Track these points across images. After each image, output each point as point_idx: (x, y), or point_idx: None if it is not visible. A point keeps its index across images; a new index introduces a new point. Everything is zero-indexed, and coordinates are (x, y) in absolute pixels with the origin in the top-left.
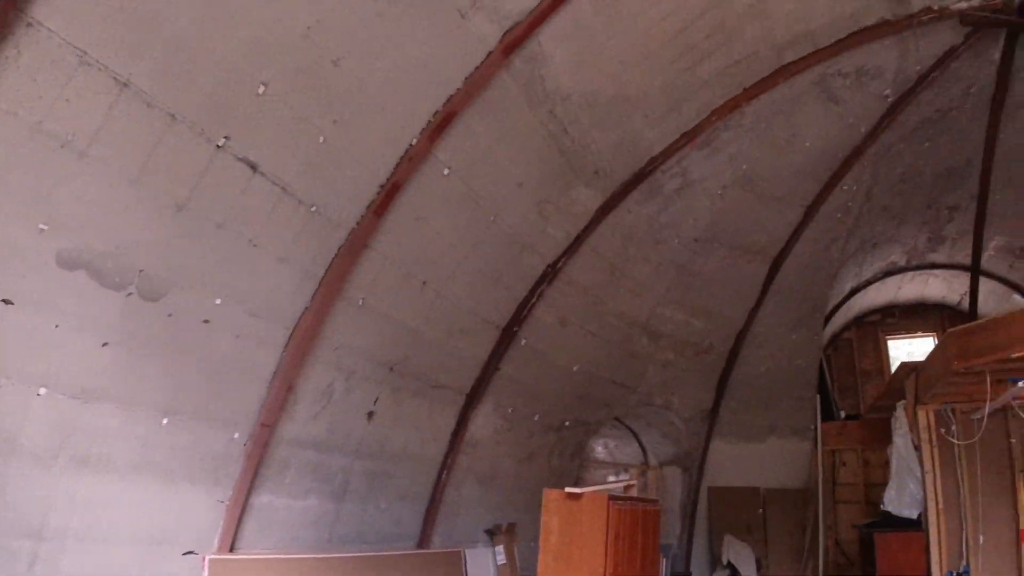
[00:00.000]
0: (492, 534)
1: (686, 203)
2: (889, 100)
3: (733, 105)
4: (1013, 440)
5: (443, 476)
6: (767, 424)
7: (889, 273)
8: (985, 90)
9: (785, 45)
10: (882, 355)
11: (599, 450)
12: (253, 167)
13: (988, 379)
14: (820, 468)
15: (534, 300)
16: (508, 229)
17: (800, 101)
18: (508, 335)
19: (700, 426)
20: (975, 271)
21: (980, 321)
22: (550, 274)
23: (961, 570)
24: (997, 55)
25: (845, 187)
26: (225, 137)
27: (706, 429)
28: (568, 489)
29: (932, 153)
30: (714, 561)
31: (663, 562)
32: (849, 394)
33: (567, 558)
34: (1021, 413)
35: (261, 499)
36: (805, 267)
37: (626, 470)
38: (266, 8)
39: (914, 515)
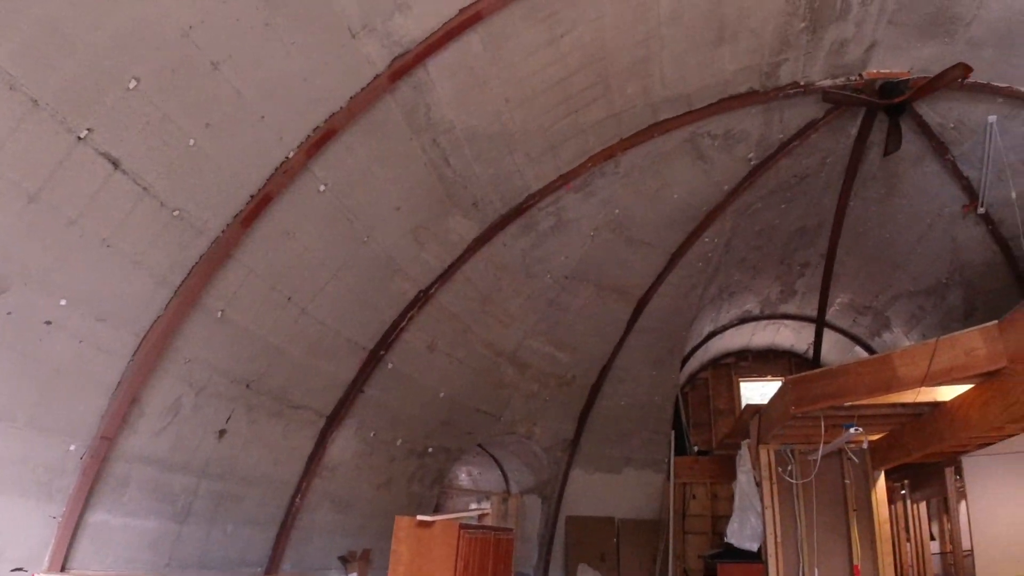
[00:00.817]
0: (346, 561)
1: (560, 241)
2: (752, 163)
3: (609, 153)
4: (847, 481)
5: (297, 500)
6: (624, 456)
7: (744, 320)
8: (840, 161)
9: (661, 103)
10: (735, 395)
11: (462, 477)
12: (115, 163)
13: (823, 424)
14: (672, 500)
15: (404, 324)
16: (381, 251)
17: (671, 156)
18: (375, 358)
19: (561, 456)
20: (820, 323)
21: (816, 371)
22: (421, 299)
23: None
24: (854, 131)
25: (707, 239)
26: (88, 129)
27: (566, 459)
28: (419, 517)
29: (788, 213)
30: None
31: None
32: (703, 430)
33: None
34: (854, 457)
35: (97, 516)
36: (667, 309)
37: (488, 498)
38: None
39: (755, 547)
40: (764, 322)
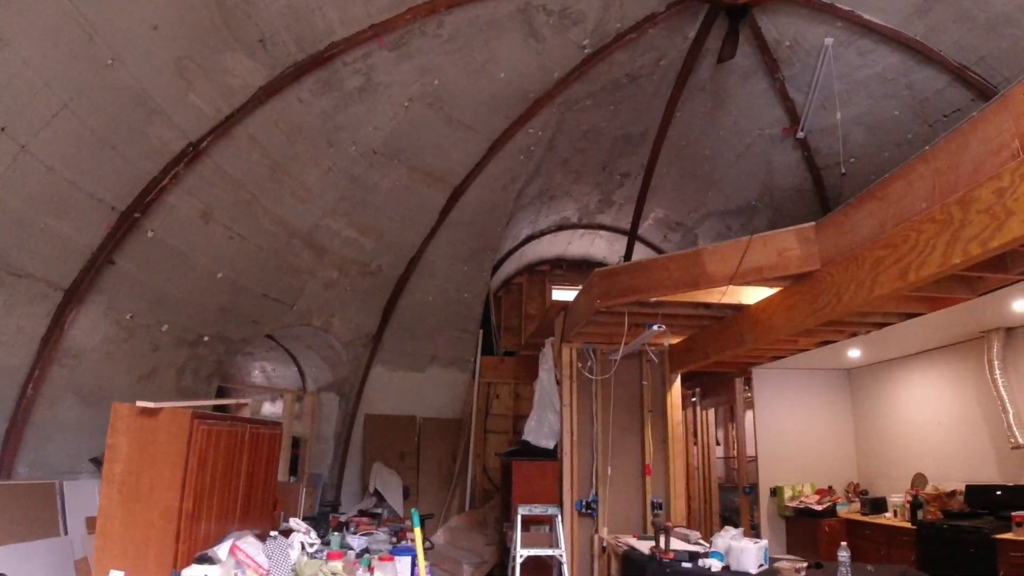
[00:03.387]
0: (99, 463)
1: (368, 107)
2: (585, 51)
3: (431, 8)
4: (644, 382)
5: (29, 391)
6: (430, 354)
7: (562, 227)
8: (674, 66)
9: None
10: (547, 302)
11: (256, 374)
12: None
13: (627, 320)
14: (475, 399)
15: (166, 183)
16: (133, 83)
17: (502, 27)
18: (128, 221)
19: (362, 352)
20: (632, 236)
21: (625, 264)
22: (190, 154)
23: (591, 498)
24: (692, 33)
25: (531, 130)
26: None
27: (368, 355)
28: (140, 403)
29: (615, 116)
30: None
31: (315, 492)
32: (514, 335)
33: (135, 491)
34: (655, 358)
35: None
36: (484, 202)
37: (281, 396)
38: None
39: (551, 445)
40: (581, 231)
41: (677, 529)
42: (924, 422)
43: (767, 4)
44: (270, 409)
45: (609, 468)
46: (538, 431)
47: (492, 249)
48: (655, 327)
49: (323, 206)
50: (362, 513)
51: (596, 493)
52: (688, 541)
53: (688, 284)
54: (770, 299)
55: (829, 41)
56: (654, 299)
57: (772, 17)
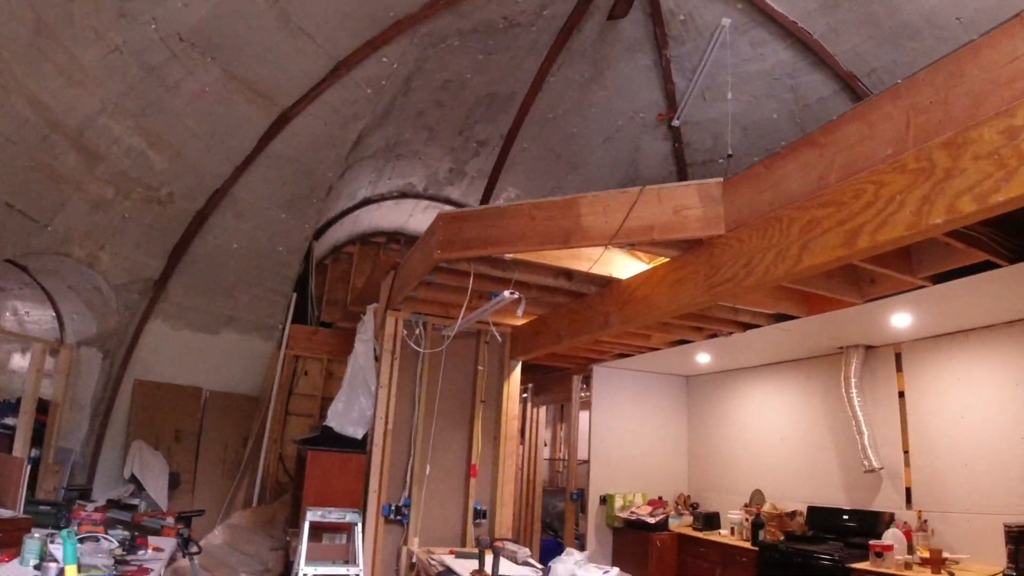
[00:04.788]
0: None
1: None
2: None
3: None
4: (480, 367)
5: None
6: (227, 313)
7: (405, 195)
8: (558, 18)
9: None
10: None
11: (7, 316)
12: None
13: (470, 285)
14: (279, 374)
15: None
16: None
17: None
18: None
19: (137, 300)
20: None
21: (479, 208)
22: None
23: (401, 502)
24: None
25: (385, 58)
26: None
27: (145, 305)
28: None
29: (483, 69)
30: None
31: (62, 472)
32: (336, 308)
33: None
34: (498, 336)
35: None
36: (317, 137)
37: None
38: None
39: (360, 434)
40: (425, 203)
41: (503, 545)
42: (766, 437)
43: None
44: (20, 362)
45: (428, 466)
46: (345, 416)
47: (320, 199)
48: (506, 294)
49: (103, 98)
50: (112, 504)
51: (409, 496)
52: (516, 561)
53: (557, 239)
54: (651, 272)
55: (727, 22)
56: (510, 256)
57: None
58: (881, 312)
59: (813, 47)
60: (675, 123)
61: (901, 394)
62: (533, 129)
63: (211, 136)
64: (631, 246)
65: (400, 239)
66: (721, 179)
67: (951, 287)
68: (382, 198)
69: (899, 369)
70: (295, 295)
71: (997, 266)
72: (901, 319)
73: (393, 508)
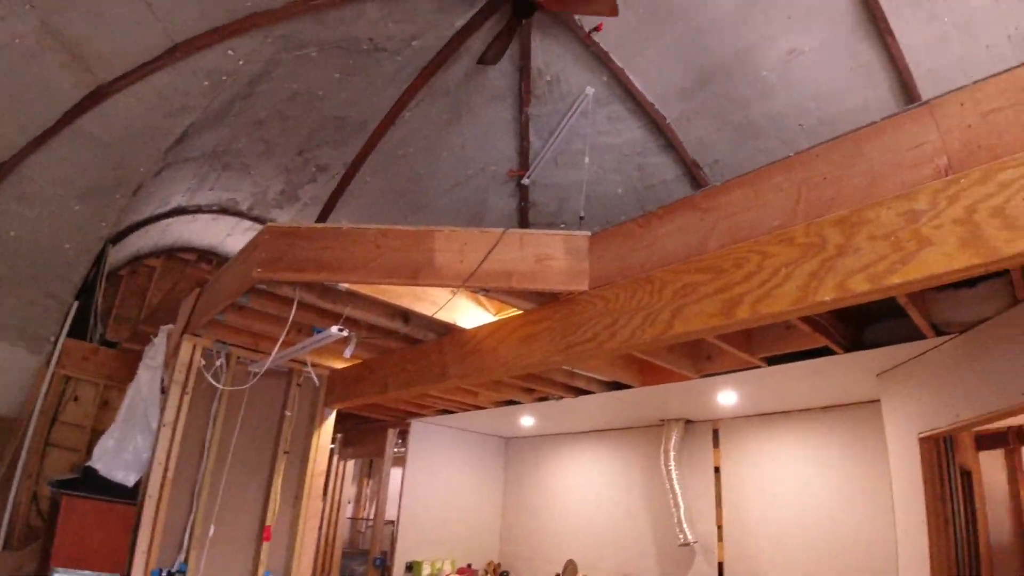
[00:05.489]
0: None
1: None
2: None
3: None
4: (288, 412)
5: None
6: None
7: (226, 211)
8: (427, 51)
9: None
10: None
11: None
12: None
13: (292, 314)
14: (42, 396)
15: None
16: None
17: None
18: None
19: None
20: None
21: (316, 226)
22: None
23: (175, 567)
24: (462, 22)
25: (232, 51)
26: None
27: None
28: None
29: (338, 88)
30: None
31: None
32: (126, 327)
33: None
34: (315, 378)
35: None
36: (135, 122)
37: None
38: None
39: (130, 480)
40: (248, 224)
41: None
42: (583, 505)
43: (551, 27)
44: None
45: (213, 526)
46: (116, 456)
47: (125, 196)
48: (334, 330)
49: None
50: None
51: (186, 560)
52: None
53: (405, 274)
54: (500, 324)
55: (590, 91)
56: (345, 286)
57: (548, 41)
58: (710, 388)
59: (665, 130)
60: (525, 181)
61: (717, 469)
62: (380, 162)
63: (9, 97)
64: (485, 292)
65: (212, 259)
66: (589, 232)
67: (782, 369)
68: (199, 210)
69: (716, 445)
70: (76, 304)
71: (831, 352)
72: (727, 396)
73: (164, 574)
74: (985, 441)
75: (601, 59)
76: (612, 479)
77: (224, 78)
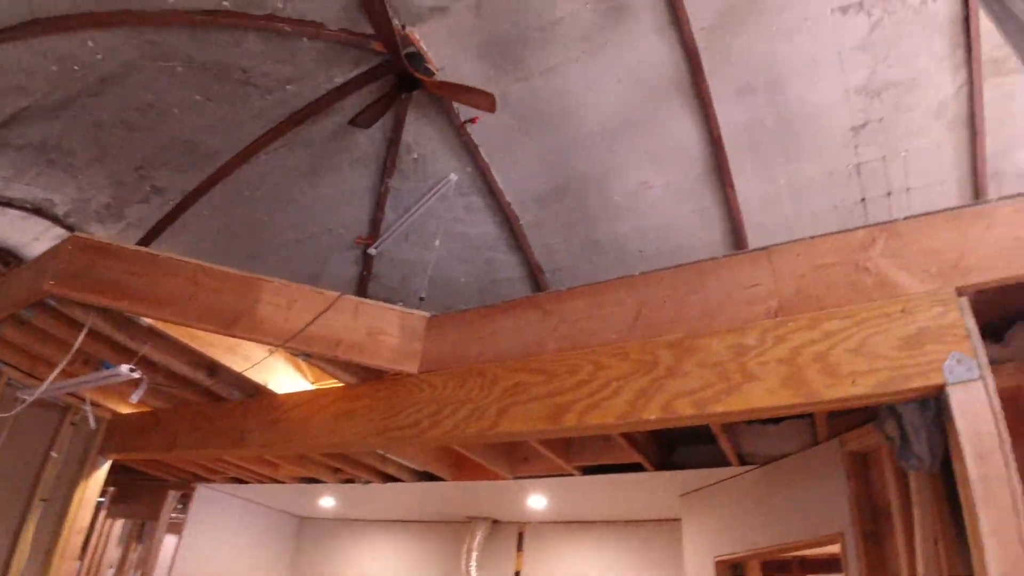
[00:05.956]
0: None
1: None
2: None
3: None
4: (55, 454)
5: None
6: None
7: (40, 212)
8: (299, 98)
9: None
10: None
11: None
12: None
13: (80, 339)
14: None
15: None
16: None
17: None
18: None
19: None
20: None
21: (129, 246)
22: None
23: None
24: (342, 79)
25: (92, 42)
26: None
27: None
28: None
29: (197, 111)
30: None
31: None
32: None
33: None
34: (92, 420)
35: None
36: None
37: None
38: None
39: None
40: (61, 231)
41: None
42: None
43: (429, 108)
44: None
45: None
46: None
47: None
48: (124, 369)
49: None
50: None
51: None
52: None
53: (221, 321)
54: (316, 394)
55: (453, 178)
56: (149, 322)
57: (423, 120)
58: (522, 490)
59: (517, 231)
60: (371, 251)
61: (517, 574)
62: (222, 199)
63: None
64: (307, 356)
65: (11, 262)
66: (428, 314)
67: (595, 480)
68: (9, 203)
69: (520, 548)
70: None
71: (642, 469)
72: (538, 500)
73: None
74: (771, 567)
75: (470, 150)
76: (411, 572)
77: (76, 68)
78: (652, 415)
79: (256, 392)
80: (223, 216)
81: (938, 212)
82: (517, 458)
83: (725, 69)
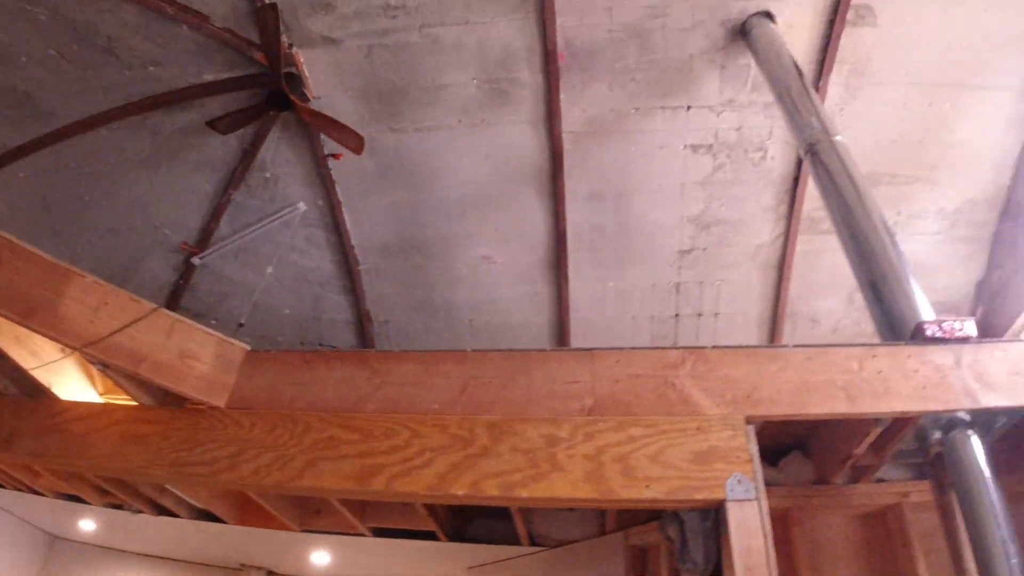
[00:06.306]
0: None
1: None
2: None
3: None
4: None
5: None
6: None
7: None
8: (156, 86)
9: None
10: None
11: None
12: None
13: None
14: None
15: None
16: None
17: None
18: None
19: None
20: None
21: None
22: None
23: None
24: (211, 76)
25: None
26: None
27: None
28: None
29: (47, 66)
30: None
31: None
32: None
33: None
34: None
35: None
36: None
37: None
38: None
39: None
40: None
41: None
42: None
43: (295, 131)
44: None
45: None
46: None
47: None
48: None
49: None
50: None
51: None
52: None
53: (18, 307)
54: (105, 408)
55: (302, 207)
56: None
57: (285, 142)
58: (307, 544)
59: (354, 275)
60: (195, 261)
61: None
62: (45, 165)
63: None
64: (104, 366)
65: None
66: (248, 347)
67: (385, 543)
68: None
69: None
70: None
71: (435, 537)
72: (321, 557)
73: None
74: None
75: (326, 184)
76: None
77: None
78: (460, 491)
79: (36, 392)
80: (40, 184)
81: (742, 348)
82: (310, 510)
83: (583, 173)
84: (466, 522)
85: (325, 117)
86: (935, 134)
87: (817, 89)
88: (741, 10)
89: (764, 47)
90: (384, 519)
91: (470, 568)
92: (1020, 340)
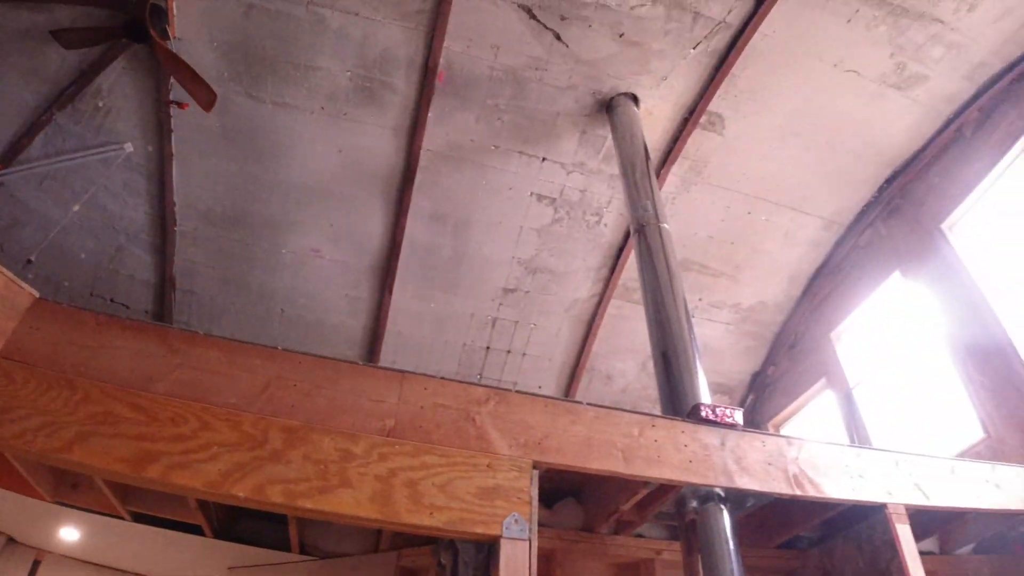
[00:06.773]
0: None
1: None
2: None
3: None
4: None
5: None
6: None
7: None
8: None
9: None
10: None
11: None
12: None
13: None
14: None
15: None
16: None
17: None
18: None
19: None
20: None
21: None
22: None
23: None
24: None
25: None
26: None
27: None
28: None
29: None
30: None
31: None
32: None
33: None
34: None
35: None
36: None
37: None
38: None
39: None
40: None
41: None
42: None
43: (143, 66)
44: None
45: None
46: None
47: None
48: None
49: None
50: None
51: None
52: None
53: None
54: None
55: (129, 148)
56: None
57: (129, 75)
58: (56, 517)
59: (168, 234)
60: None
61: None
62: None
63: None
64: None
65: None
66: (38, 294)
67: (144, 530)
68: None
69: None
70: None
71: (201, 532)
72: (70, 532)
73: None
74: None
75: (162, 131)
76: None
77: None
78: (242, 492)
79: None
80: None
81: (541, 397)
82: (66, 482)
83: (431, 192)
84: (234, 521)
85: (181, 62)
86: (747, 239)
87: (659, 175)
88: (612, 87)
89: (623, 125)
90: (149, 505)
91: (231, 568)
92: (778, 435)
